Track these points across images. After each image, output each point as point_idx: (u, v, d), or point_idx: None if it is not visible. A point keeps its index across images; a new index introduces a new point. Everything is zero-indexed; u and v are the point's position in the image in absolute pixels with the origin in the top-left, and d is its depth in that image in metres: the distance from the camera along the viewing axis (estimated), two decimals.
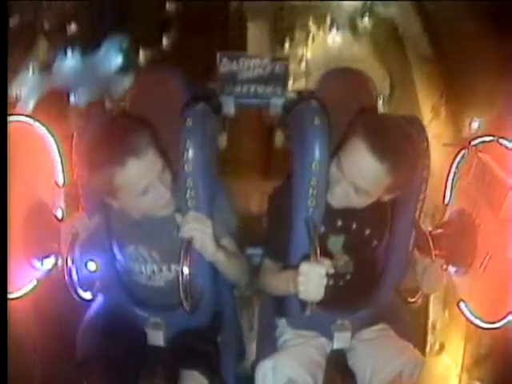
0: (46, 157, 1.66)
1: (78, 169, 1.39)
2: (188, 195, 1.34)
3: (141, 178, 1.26)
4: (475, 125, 2.11)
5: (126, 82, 2.93)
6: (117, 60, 3.01)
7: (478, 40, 2.08)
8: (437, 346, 2.22)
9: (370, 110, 1.32)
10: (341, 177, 1.29)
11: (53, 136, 1.66)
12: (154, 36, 3.02)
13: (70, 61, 2.87)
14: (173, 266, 1.43)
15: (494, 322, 1.59)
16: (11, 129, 1.48)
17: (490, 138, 1.62)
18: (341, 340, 1.49)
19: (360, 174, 1.26)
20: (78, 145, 1.37)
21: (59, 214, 1.68)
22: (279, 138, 1.81)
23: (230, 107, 1.80)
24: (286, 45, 3.12)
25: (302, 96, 1.68)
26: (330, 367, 1.46)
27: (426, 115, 2.66)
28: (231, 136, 1.85)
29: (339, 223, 1.41)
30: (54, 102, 2.71)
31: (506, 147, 1.56)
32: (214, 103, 1.73)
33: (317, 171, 1.30)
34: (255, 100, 1.83)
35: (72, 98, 2.83)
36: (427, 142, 1.39)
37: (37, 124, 1.62)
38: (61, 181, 1.67)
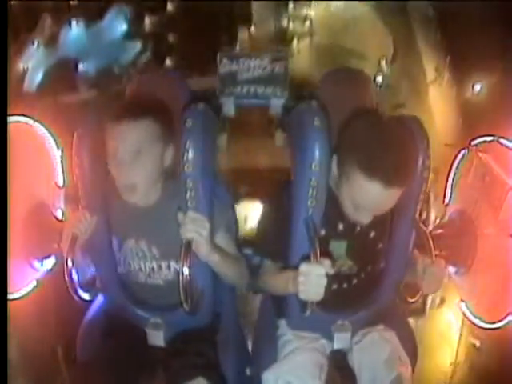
0: (45, 157, 1.66)
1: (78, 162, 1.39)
2: (188, 196, 1.34)
3: (131, 140, 1.31)
4: (477, 87, 2.15)
5: (133, 48, 3.00)
6: (122, 27, 3.03)
7: (482, 2, 2.07)
8: (438, 300, 2.20)
9: (359, 124, 1.28)
10: (357, 208, 1.28)
11: (53, 136, 1.66)
12: (158, 2, 3.05)
13: (75, 31, 2.91)
14: (172, 264, 1.43)
15: (494, 322, 1.59)
16: (11, 129, 1.49)
17: (491, 138, 1.62)
18: (341, 340, 1.48)
19: (379, 207, 1.27)
20: (79, 145, 1.37)
21: (59, 215, 1.68)
22: (279, 138, 1.81)
23: (230, 108, 1.80)
24: (290, 5, 3.16)
25: (302, 96, 1.68)
26: (331, 367, 1.45)
27: (430, 75, 2.66)
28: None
29: (340, 227, 1.41)
30: (62, 73, 2.74)
31: (507, 147, 1.56)
32: (214, 104, 1.73)
33: (317, 172, 1.30)
34: (255, 100, 1.83)
35: (80, 67, 2.85)
36: (427, 141, 1.39)
37: (37, 124, 1.63)
38: (61, 181, 1.67)
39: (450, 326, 2.04)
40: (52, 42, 2.79)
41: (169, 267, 1.45)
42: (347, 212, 1.33)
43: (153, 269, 1.45)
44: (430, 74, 2.67)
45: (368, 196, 1.23)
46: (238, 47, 3.14)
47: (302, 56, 3.22)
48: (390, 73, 2.87)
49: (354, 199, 1.27)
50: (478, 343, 1.74)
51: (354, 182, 1.24)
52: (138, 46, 3.04)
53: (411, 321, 1.94)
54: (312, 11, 3.17)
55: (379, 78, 2.87)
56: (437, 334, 2.14)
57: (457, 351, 1.89)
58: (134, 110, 1.32)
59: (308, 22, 3.17)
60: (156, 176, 1.38)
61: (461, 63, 2.35)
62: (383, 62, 2.86)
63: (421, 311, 2.13)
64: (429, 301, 2.17)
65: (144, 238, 1.43)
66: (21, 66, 2.56)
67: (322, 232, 1.38)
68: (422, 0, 2.78)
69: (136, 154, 1.31)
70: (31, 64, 2.64)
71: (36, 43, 2.68)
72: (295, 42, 3.20)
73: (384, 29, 2.97)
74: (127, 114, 1.31)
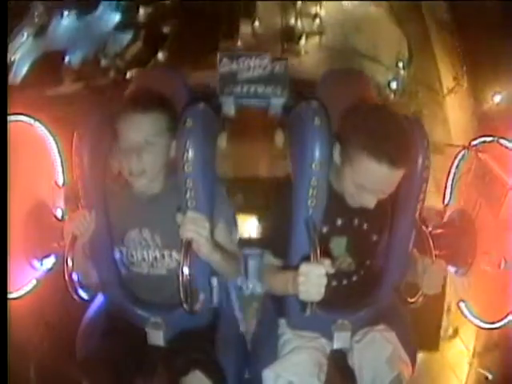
0: (46, 157, 1.66)
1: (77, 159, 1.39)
2: (188, 195, 1.34)
3: (142, 130, 1.34)
4: (498, 98, 2.13)
5: (123, 39, 2.97)
6: (114, 18, 2.99)
7: (498, 10, 2.02)
8: (450, 331, 2.16)
9: (363, 112, 1.29)
10: (362, 191, 1.29)
11: (53, 136, 1.66)
12: None
13: (65, 22, 2.86)
14: (174, 254, 1.45)
15: (493, 322, 1.59)
16: (11, 129, 1.48)
17: (490, 139, 1.62)
18: (341, 340, 1.49)
19: (385, 188, 1.28)
20: (79, 145, 1.37)
21: (59, 214, 1.68)
22: (279, 138, 1.81)
23: (229, 107, 1.79)
24: (299, 2, 3.08)
25: (302, 96, 1.68)
26: (330, 367, 1.45)
27: (446, 82, 2.60)
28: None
29: (339, 222, 1.41)
30: (48, 65, 2.71)
31: (506, 147, 1.56)
32: (214, 103, 1.72)
33: (317, 171, 1.30)
34: (255, 100, 1.83)
35: (66, 59, 2.83)
36: (427, 141, 1.39)
37: (37, 124, 1.62)
38: (61, 181, 1.67)
39: (460, 358, 2.01)
40: (41, 32, 2.74)
41: (171, 256, 1.46)
42: (350, 201, 1.34)
43: (155, 258, 1.46)
44: (448, 82, 2.59)
45: (375, 178, 1.25)
46: (239, 43, 3.04)
47: (310, 56, 3.12)
48: (405, 78, 2.78)
49: (359, 183, 1.28)
50: (490, 376, 1.72)
51: (360, 165, 1.25)
52: (128, 36, 2.97)
53: (422, 355, 1.90)
54: (322, 9, 3.08)
55: (394, 84, 2.78)
56: (446, 366, 2.09)
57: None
58: (146, 103, 1.37)
59: (317, 21, 3.08)
60: (162, 165, 1.41)
61: (479, 72, 2.29)
62: (400, 65, 2.77)
63: (434, 345, 2.08)
64: (442, 332, 2.12)
65: (147, 227, 1.44)
66: (8, 56, 2.52)
67: (324, 229, 1.38)
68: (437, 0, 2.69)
69: (146, 143, 1.35)
70: (18, 55, 2.60)
71: (25, 35, 2.63)
72: (303, 41, 3.12)
73: (398, 31, 2.88)
74: (140, 106, 1.36)
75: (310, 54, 3.14)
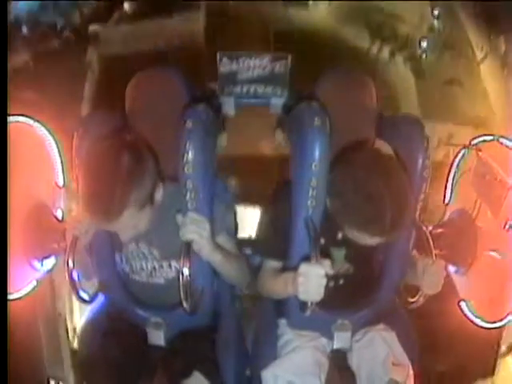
0: (46, 157, 1.66)
1: (77, 171, 1.38)
2: (188, 197, 1.34)
3: (133, 224, 1.27)
4: None
5: None
6: None
7: None
8: (503, 348, 2.04)
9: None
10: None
11: (53, 136, 1.66)
12: None
13: None
14: (173, 263, 1.44)
15: (494, 322, 1.59)
16: (11, 129, 1.48)
17: (491, 138, 1.62)
18: (341, 340, 1.49)
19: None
20: (79, 147, 1.37)
21: (59, 215, 1.68)
22: (279, 137, 1.80)
23: (230, 107, 1.79)
24: None
25: (303, 96, 1.68)
26: (331, 367, 1.45)
27: (478, 52, 2.45)
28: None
29: (339, 236, 1.40)
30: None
31: (507, 146, 1.56)
32: (214, 104, 1.72)
33: (317, 172, 1.30)
34: (255, 100, 1.82)
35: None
36: (427, 142, 1.39)
37: (37, 124, 1.62)
38: (61, 181, 1.67)
39: None
40: None
41: (170, 266, 1.45)
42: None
43: (154, 268, 1.46)
44: (478, 51, 2.44)
45: (367, 242, 1.26)
46: None
47: (319, 8, 2.88)
48: (437, 36, 2.60)
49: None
50: None
51: (353, 234, 1.26)
52: None
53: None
54: None
55: (424, 44, 2.58)
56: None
57: None
58: (115, 208, 1.20)
59: None
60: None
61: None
62: (435, 13, 2.57)
63: (489, 372, 1.99)
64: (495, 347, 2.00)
65: (144, 241, 1.43)
66: None
67: (322, 241, 1.37)
68: None
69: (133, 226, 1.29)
70: None
71: None
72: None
73: None
74: (112, 214, 1.21)
75: (318, 6, 2.90)
